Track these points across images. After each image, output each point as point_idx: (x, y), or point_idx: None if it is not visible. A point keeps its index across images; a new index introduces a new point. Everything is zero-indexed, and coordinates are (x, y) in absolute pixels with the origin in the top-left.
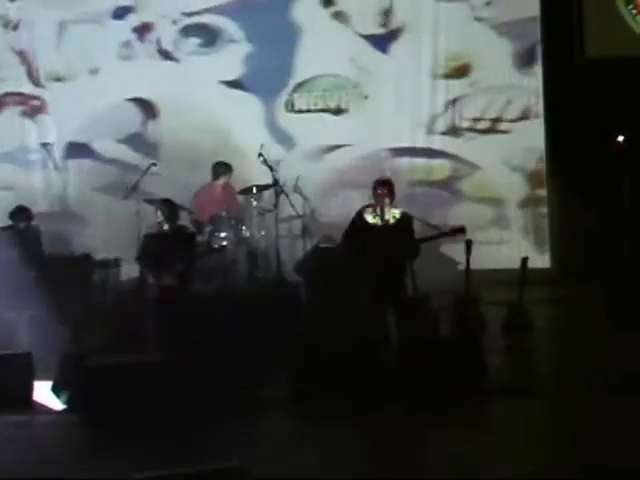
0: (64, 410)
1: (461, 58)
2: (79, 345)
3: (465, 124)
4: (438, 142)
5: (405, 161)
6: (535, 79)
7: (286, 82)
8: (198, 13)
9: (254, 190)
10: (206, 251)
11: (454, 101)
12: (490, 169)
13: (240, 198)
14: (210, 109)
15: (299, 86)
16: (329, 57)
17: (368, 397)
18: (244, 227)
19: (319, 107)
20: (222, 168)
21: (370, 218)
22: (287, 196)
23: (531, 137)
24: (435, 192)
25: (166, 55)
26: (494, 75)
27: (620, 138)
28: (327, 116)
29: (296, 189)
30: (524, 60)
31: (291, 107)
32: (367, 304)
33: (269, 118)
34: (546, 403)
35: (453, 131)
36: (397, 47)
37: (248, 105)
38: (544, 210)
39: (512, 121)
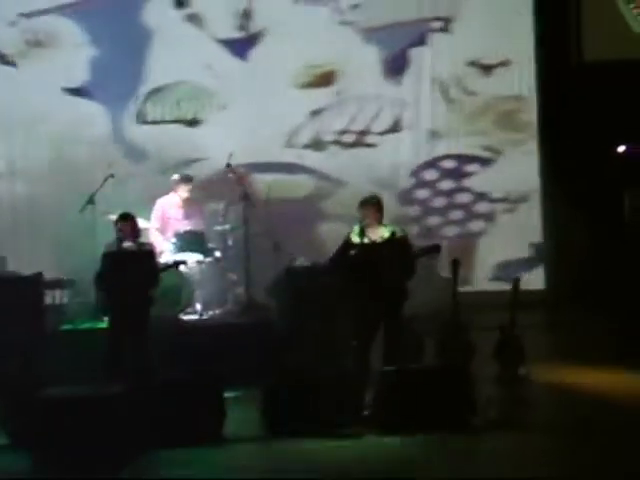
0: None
1: (325, 65)
2: (28, 376)
3: (329, 137)
4: (300, 156)
5: (265, 177)
6: (405, 89)
7: (135, 90)
8: (38, 14)
9: (221, 205)
10: (168, 269)
11: (317, 112)
12: (355, 185)
13: (204, 212)
14: (51, 118)
15: (150, 94)
16: (183, 63)
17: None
18: (210, 245)
19: (173, 118)
20: (182, 178)
21: (355, 238)
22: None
23: (400, 151)
24: (295, 210)
25: (2, 59)
26: (361, 84)
27: (621, 149)
28: (182, 127)
29: (267, 204)
30: (394, 68)
31: (142, 118)
32: (346, 331)
33: (117, 129)
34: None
35: (316, 144)
36: (257, 53)
37: (94, 115)
38: (415, 229)
39: (380, 134)
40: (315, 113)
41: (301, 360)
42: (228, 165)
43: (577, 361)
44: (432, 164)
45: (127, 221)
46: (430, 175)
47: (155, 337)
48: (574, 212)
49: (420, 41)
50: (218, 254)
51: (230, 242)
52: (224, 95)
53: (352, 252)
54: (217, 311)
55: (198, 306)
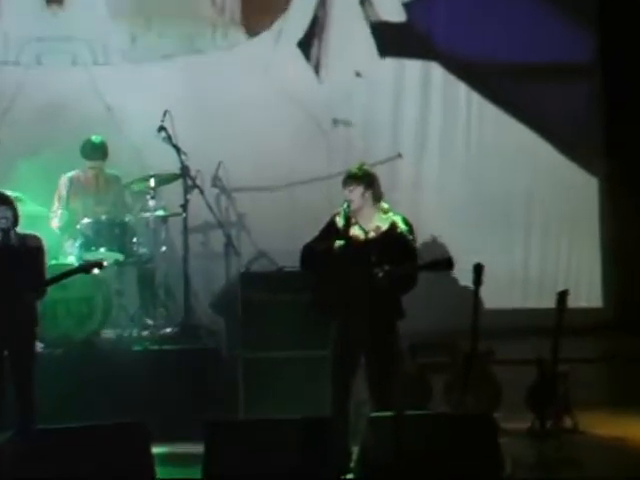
0: None
1: None
2: None
3: None
4: None
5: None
6: None
7: None
8: None
9: (152, 182)
10: (74, 274)
11: None
12: None
13: (128, 195)
14: None
15: None
16: None
17: None
18: (135, 239)
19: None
20: (96, 148)
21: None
22: (202, 192)
23: None
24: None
25: None
26: None
27: None
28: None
29: (216, 182)
30: None
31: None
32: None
33: None
34: None
35: None
36: None
37: None
38: None
39: None
40: None
41: (260, 403)
42: (162, 128)
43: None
44: None
45: (5, 205)
46: None
47: (53, 368)
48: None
49: None
50: (145, 251)
51: (163, 235)
52: None
53: (335, 246)
54: (144, 333)
55: (116, 327)
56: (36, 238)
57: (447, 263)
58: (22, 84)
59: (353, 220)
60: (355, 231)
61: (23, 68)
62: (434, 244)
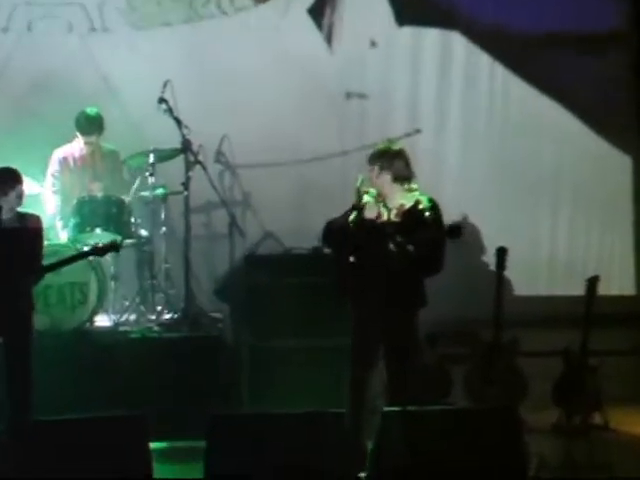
0: None
1: None
2: None
3: None
4: None
5: None
6: None
7: None
8: None
9: (151, 158)
10: (69, 258)
11: None
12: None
13: (126, 172)
14: None
15: None
16: None
17: None
18: (133, 219)
19: None
20: (91, 121)
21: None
22: (205, 169)
23: None
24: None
25: None
26: None
27: None
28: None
29: (219, 158)
30: None
31: None
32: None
33: None
34: None
35: None
36: None
37: None
38: None
39: None
40: None
41: (264, 394)
42: (162, 100)
43: None
44: None
45: (20, 183)
46: None
47: (45, 358)
48: None
49: None
50: (144, 233)
51: (162, 215)
52: None
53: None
54: (141, 320)
55: (111, 313)
56: (37, 218)
57: (455, 232)
58: (12, 52)
59: (365, 195)
60: (380, 209)
61: (13, 35)
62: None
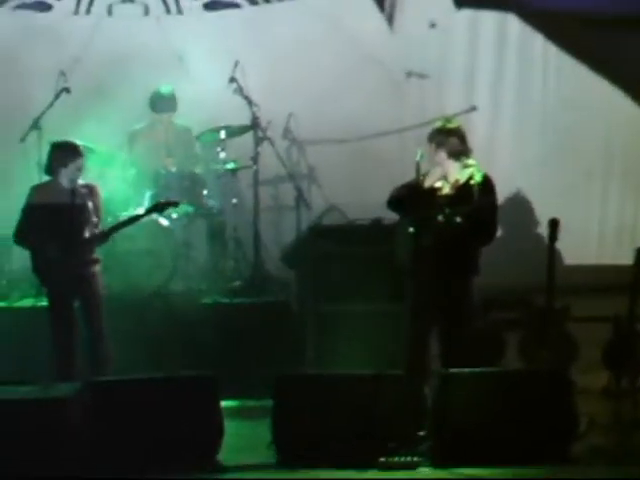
0: None
1: None
2: None
3: None
4: None
5: None
6: None
7: None
8: None
9: (222, 134)
10: (132, 217)
11: None
12: None
13: (198, 147)
14: None
15: None
16: None
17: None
18: (205, 191)
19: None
20: (166, 100)
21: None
22: (273, 145)
23: None
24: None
25: None
26: None
27: None
28: None
29: (287, 134)
30: None
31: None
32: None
33: None
34: None
35: None
36: None
37: None
38: None
39: None
40: None
41: (329, 357)
42: (233, 79)
43: None
44: None
45: (81, 157)
46: None
47: (122, 321)
48: None
49: None
50: (215, 204)
51: (233, 187)
52: None
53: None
54: (213, 286)
55: (185, 280)
56: (96, 187)
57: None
58: (93, 35)
59: (423, 171)
60: (439, 184)
61: (94, 18)
62: (517, 198)
